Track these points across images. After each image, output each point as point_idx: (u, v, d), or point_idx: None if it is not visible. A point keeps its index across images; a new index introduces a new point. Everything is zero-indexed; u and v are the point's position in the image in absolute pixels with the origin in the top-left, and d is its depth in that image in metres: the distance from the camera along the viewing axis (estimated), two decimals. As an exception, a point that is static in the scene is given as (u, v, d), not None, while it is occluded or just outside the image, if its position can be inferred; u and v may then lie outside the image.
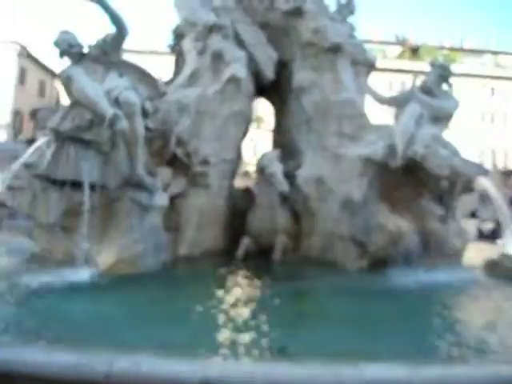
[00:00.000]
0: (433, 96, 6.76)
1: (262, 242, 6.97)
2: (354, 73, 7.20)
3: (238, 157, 8.12)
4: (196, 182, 6.37)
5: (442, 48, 34.66)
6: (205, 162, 6.43)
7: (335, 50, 6.95)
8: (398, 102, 7.10)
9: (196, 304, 3.91)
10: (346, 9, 8.36)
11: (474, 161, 6.89)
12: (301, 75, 7.13)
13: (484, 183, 6.59)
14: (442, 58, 32.56)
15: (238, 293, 4.78)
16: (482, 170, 6.46)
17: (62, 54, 5.46)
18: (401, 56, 33.11)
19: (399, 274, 5.41)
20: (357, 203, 5.97)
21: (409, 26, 77.04)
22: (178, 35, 7.57)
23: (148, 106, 5.80)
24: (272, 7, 7.25)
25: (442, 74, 6.84)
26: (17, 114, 23.08)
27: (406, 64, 27.62)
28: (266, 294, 4.71)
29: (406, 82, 27.17)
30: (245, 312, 3.92)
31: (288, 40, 7.45)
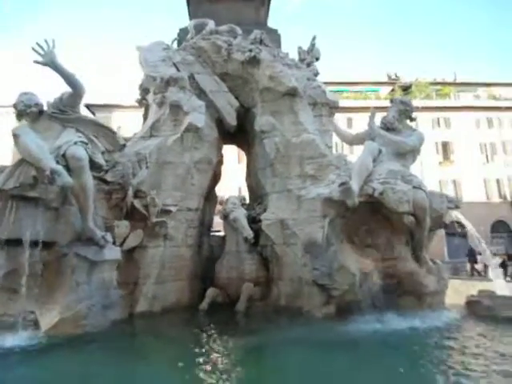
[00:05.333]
0: (396, 132, 6.65)
1: (230, 292, 6.64)
2: (314, 114, 7.20)
3: (209, 204, 7.99)
4: (155, 232, 6.18)
5: (434, 83, 35.18)
6: (164, 212, 6.29)
7: (292, 93, 7.01)
8: (362, 140, 7.00)
9: (137, 367, 3.65)
10: (309, 55, 8.59)
11: (444, 193, 6.62)
12: (261, 120, 7.15)
13: (457, 217, 6.27)
14: (434, 93, 33.17)
15: (188, 352, 4.36)
16: (452, 203, 6.15)
17: (18, 115, 5.61)
18: (392, 95, 33.72)
19: (367, 320, 5.00)
20: (319, 245, 5.66)
21: (402, 63, 79.57)
22: (144, 90, 7.77)
23: (100, 159, 5.81)
24: (229, 58, 7.44)
25: (403, 109, 6.77)
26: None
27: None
28: (219, 352, 4.30)
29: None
30: (193, 373, 3.55)
31: (248, 87, 7.57)
